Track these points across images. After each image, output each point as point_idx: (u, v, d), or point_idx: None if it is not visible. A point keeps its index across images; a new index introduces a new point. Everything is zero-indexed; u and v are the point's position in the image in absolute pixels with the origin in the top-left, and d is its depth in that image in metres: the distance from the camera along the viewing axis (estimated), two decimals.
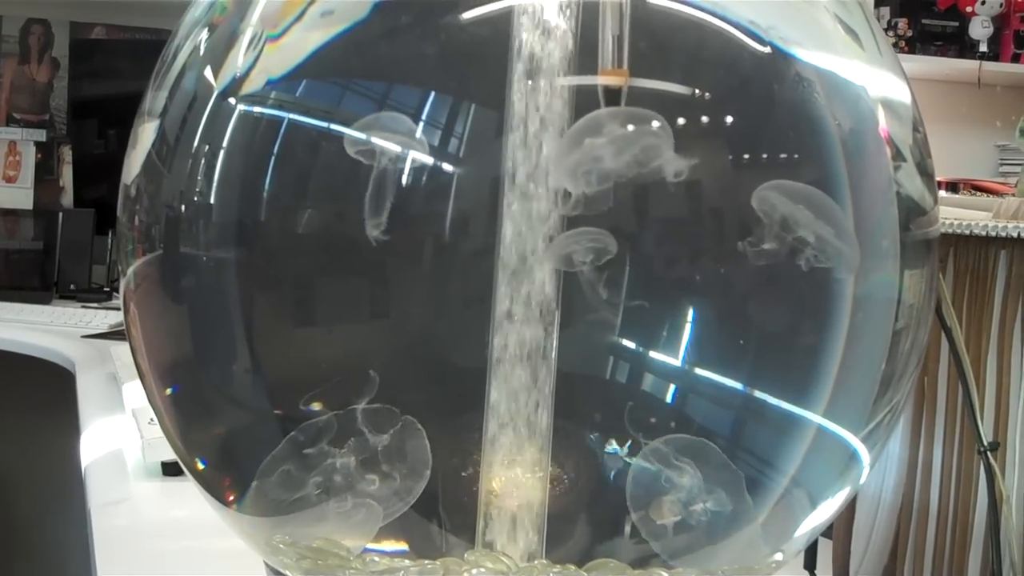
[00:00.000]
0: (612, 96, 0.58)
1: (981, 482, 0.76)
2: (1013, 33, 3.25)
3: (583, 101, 0.58)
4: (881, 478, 0.83)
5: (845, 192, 0.60)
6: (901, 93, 0.66)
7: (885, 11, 3.21)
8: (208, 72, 0.65)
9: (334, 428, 0.60)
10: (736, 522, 0.61)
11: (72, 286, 2.80)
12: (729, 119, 0.60)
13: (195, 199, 0.63)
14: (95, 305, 2.61)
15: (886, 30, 3.15)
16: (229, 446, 0.68)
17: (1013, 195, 0.87)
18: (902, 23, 3.21)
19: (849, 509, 0.85)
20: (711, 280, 0.60)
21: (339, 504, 0.61)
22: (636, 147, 0.56)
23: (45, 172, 3.10)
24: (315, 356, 0.63)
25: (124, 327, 0.70)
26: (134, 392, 1.37)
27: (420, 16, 0.61)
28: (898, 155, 0.64)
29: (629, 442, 0.60)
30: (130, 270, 0.67)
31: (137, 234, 0.66)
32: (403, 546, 0.62)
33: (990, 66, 3.19)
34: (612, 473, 0.61)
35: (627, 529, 0.61)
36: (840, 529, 0.87)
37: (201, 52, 0.66)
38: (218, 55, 0.65)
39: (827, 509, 0.66)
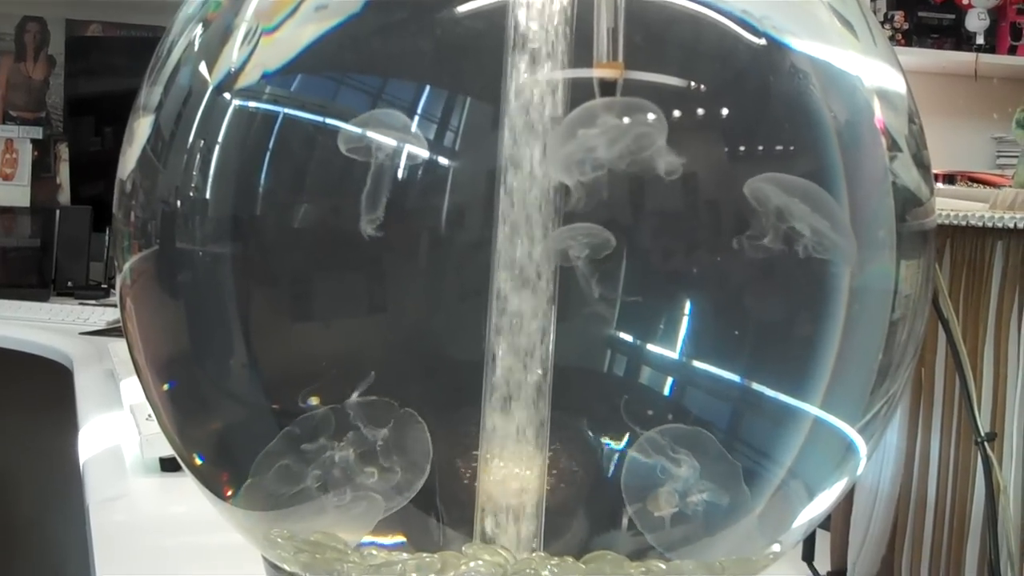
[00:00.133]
0: (607, 89, 0.58)
1: (978, 472, 0.76)
2: (1009, 25, 3.25)
3: (579, 94, 0.58)
4: (879, 469, 0.84)
5: (841, 183, 0.60)
6: (896, 84, 0.66)
7: (881, 4, 3.21)
8: (203, 67, 0.65)
9: (331, 422, 0.60)
10: (733, 513, 0.61)
11: (69, 283, 2.79)
12: (724, 111, 0.60)
13: (191, 194, 0.63)
14: (93, 302, 2.60)
15: (882, 23, 3.15)
16: (226, 441, 0.68)
17: (1010, 187, 0.87)
18: (898, 16, 3.21)
19: (847, 500, 0.85)
20: (707, 272, 0.60)
21: (337, 498, 0.61)
22: (629, 138, 0.56)
23: (42, 169, 3.09)
24: (312, 351, 0.63)
25: (121, 323, 0.70)
26: (132, 388, 1.37)
27: (415, 9, 0.61)
28: (894, 145, 0.64)
29: (627, 435, 0.60)
30: (126, 266, 0.67)
31: (133, 230, 0.66)
32: (401, 539, 0.62)
33: (987, 58, 3.19)
34: (610, 465, 0.61)
35: (625, 521, 0.61)
36: (838, 520, 0.88)
37: (196, 47, 0.66)
38: (213, 50, 0.65)
39: (824, 500, 0.66)
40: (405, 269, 0.60)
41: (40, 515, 2.63)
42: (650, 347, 0.61)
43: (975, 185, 2.40)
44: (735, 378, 0.61)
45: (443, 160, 0.58)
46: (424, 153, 0.58)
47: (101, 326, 2.29)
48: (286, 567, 0.64)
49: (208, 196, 0.62)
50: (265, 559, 0.66)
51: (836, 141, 0.61)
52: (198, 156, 0.62)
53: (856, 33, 0.65)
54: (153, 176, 0.65)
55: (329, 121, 0.61)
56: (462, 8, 0.62)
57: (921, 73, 3.16)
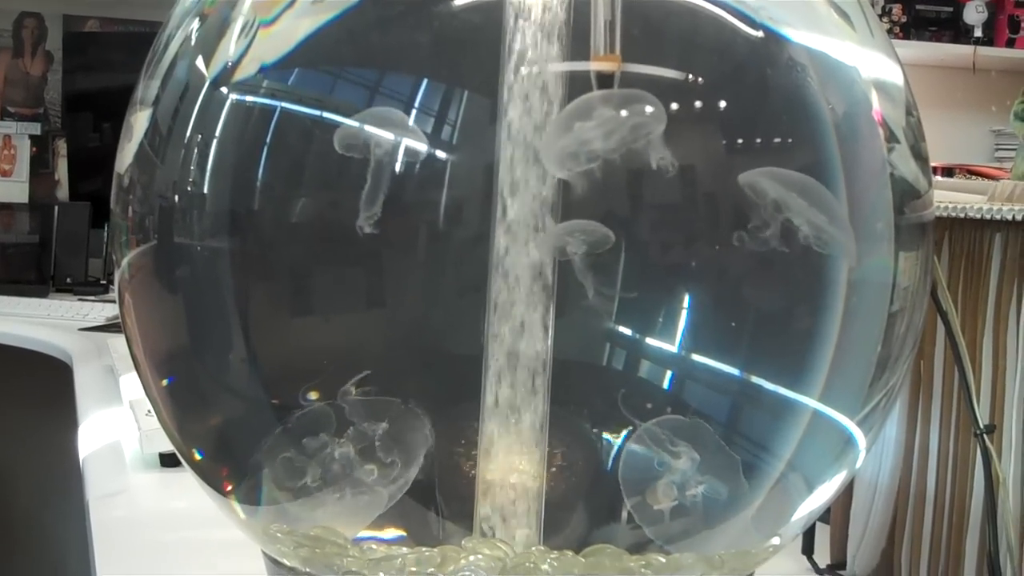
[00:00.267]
0: (605, 82, 0.58)
1: (977, 465, 0.76)
2: (1008, 18, 3.25)
3: (576, 87, 0.58)
4: (878, 462, 0.84)
5: (839, 175, 0.60)
6: (894, 75, 0.66)
7: None
8: (200, 61, 0.65)
9: (330, 417, 0.60)
10: (732, 506, 0.61)
11: (68, 279, 2.79)
12: (722, 103, 0.60)
13: (188, 189, 0.63)
14: (92, 298, 2.60)
15: (880, 16, 3.15)
16: (226, 436, 0.68)
17: (1008, 179, 0.87)
18: (896, 9, 3.21)
19: (846, 493, 0.85)
20: (704, 265, 0.60)
21: (336, 493, 0.61)
22: (626, 129, 0.55)
23: (40, 166, 3.09)
24: (310, 345, 0.63)
25: (120, 319, 0.70)
26: (131, 384, 1.37)
27: (412, 2, 0.61)
28: (892, 137, 0.64)
29: (626, 428, 0.60)
30: (124, 261, 0.66)
31: (131, 224, 0.66)
32: (401, 533, 0.62)
33: (985, 51, 3.19)
34: (609, 459, 0.61)
35: (624, 515, 0.61)
36: (837, 513, 0.88)
37: (193, 41, 0.66)
38: (210, 43, 0.65)
39: (824, 493, 0.66)
40: (404, 264, 0.60)
41: (40, 511, 2.63)
42: (649, 341, 0.61)
43: (973, 178, 2.40)
44: (734, 371, 0.61)
45: (441, 155, 0.58)
46: (422, 148, 0.57)
47: (100, 322, 2.29)
48: (286, 562, 0.64)
49: (206, 190, 0.62)
50: (265, 554, 0.67)
51: (834, 133, 0.61)
52: (196, 150, 0.62)
53: (853, 24, 0.65)
54: (151, 171, 0.65)
55: (327, 115, 0.61)
56: (459, 1, 0.62)
57: (919, 66, 3.16)
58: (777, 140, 0.61)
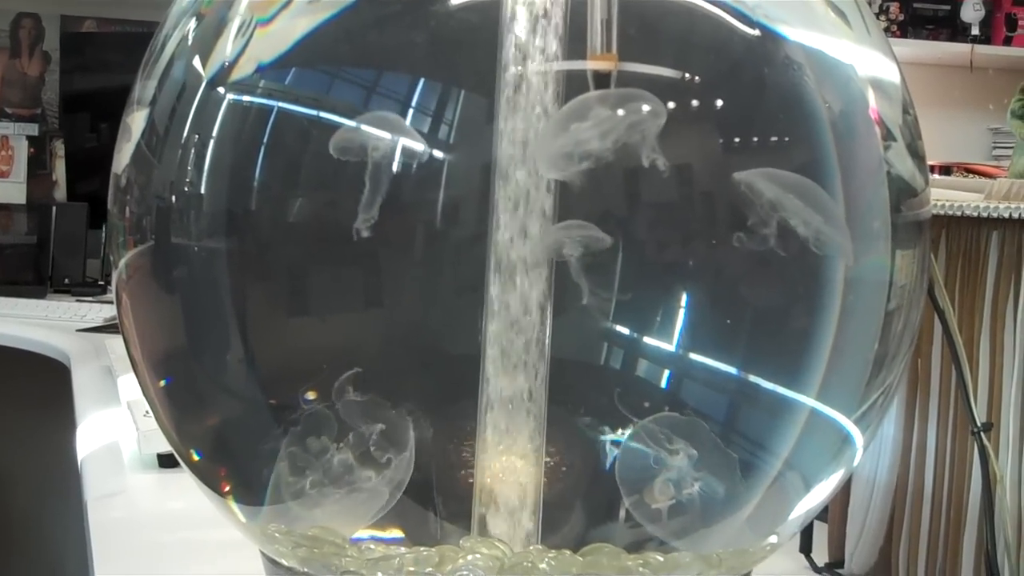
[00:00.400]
0: (601, 81, 0.58)
1: (975, 463, 0.76)
2: (1005, 16, 3.25)
3: (573, 86, 0.58)
4: (876, 460, 0.84)
5: (836, 174, 0.60)
6: (890, 73, 0.66)
7: None
8: (197, 60, 0.65)
9: (328, 417, 0.60)
10: (730, 505, 0.61)
11: (66, 280, 2.79)
12: (718, 102, 0.60)
13: (185, 189, 0.63)
14: (90, 299, 2.60)
15: (877, 14, 3.15)
16: (223, 436, 0.68)
17: (1006, 177, 0.87)
18: (893, 7, 3.21)
19: (844, 492, 0.85)
20: (701, 265, 0.60)
21: (334, 493, 0.61)
22: (622, 129, 0.55)
23: (38, 166, 3.09)
24: (308, 346, 0.63)
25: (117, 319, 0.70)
26: (129, 385, 1.37)
27: (408, 1, 0.61)
28: (888, 135, 0.64)
29: (624, 427, 0.60)
30: (122, 261, 0.66)
31: (128, 225, 0.66)
32: (399, 534, 0.62)
33: (982, 49, 3.19)
34: (607, 458, 0.61)
35: (622, 513, 0.61)
36: (835, 512, 0.88)
37: (190, 41, 0.66)
38: (207, 43, 0.65)
39: (821, 491, 0.66)
40: (401, 264, 0.60)
41: (38, 512, 2.63)
42: (646, 340, 0.61)
43: (971, 176, 2.41)
44: (731, 370, 0.61)
45: (438, 155, 0.58)
46: (418, 148, 0.57)
47: (98, 323, 2.29)
48: (284, 562, 0.64)
49: (203, 190, 0.62)
50: (263, 554, 0.67)
51: (830, 131, 0.61)
52: (193, 150, 0.62)
53: (849, 22, 0.65)
54: (148, 171, 0.65)
55: (324, 114, 0.61)
56: (456, 1, 0.62)
57: (916, 64, 3.16)
58: (774, 138, 0.61)
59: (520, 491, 0.61)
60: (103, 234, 2.82)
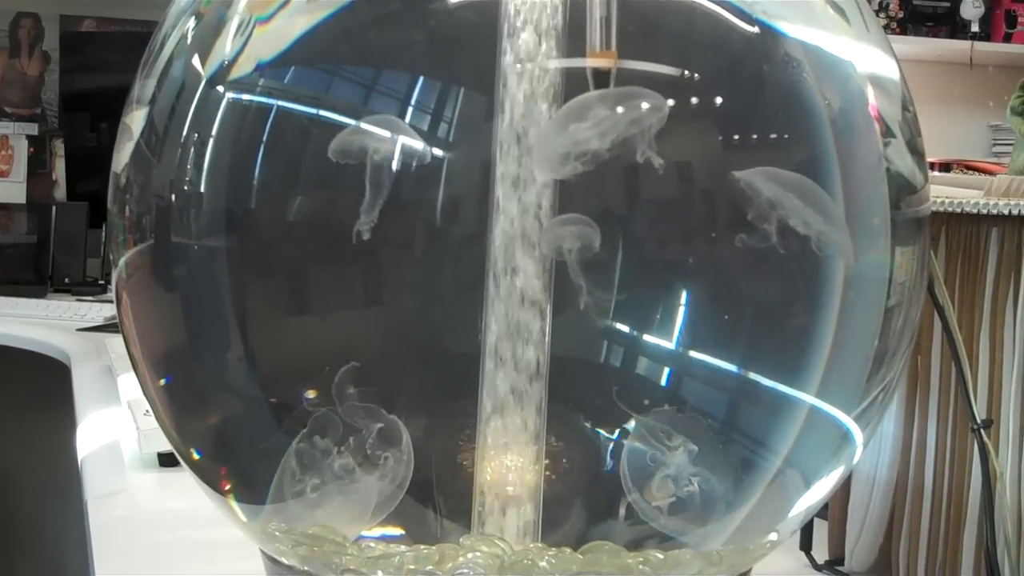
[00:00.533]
0: (601, 78, 0.58)
1: (975, 460, 0.76)
2: (1004, 13, 3.25)
3: (572, 84, 0.58)
4: (875, 458, 0.84)
5: (835, 171, 0.60)
6: (890, 70, 0.66)
7: None
8: (196, 59, 0.65)
9: (329, 416, 0.60)
10: (730, 502, 0.61)
11: (67, 279, 2.79)
12: (718, 99, 0.60)
13: (185, 188, 0.63)
14: (90, 298, 2.60)
15: (877, 12, 3.15)
16: (223, 435, 0.68)
17: (1005, 174, 0.87)
18: (893, 4, 3.21)
19: (844, 489, 0.85)
20: (700, 263, 0.60)
21: (335, 492, 0.61)
22: (622, 127, 0.55)
23: (38, 166, 3.09)
24: (308, 344, 0.63)
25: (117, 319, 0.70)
26: (130, 384, 1.37)
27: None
28: (888, 132, 0.64)
29: (624, 424, 0.60)
30: (122, 260, 0.66)
31: (128, 224, 0.66)
32: (399, 532, 0.62)
33: (982, 46, 3.19)
34: (607, 456, 0.61)
35: (622, 511, 0.61)
36: (835, 509, 0.88)
37: (189, 40, 0.66)
38: (206, 42, 0.65)
39: (821, 489, 0.66)
40: (401, 262, 0.60)
41: (39, 511, 2.63)
42: (646, 337, 0.61)
43: (971, 173, 2.41)
44: (731, 367, 0.61)
45: (437, 153, 0.58)
46: (418, 147, 0.57)
47: (98, 322, 2.28)
48: (284, 560, 0.64)
49: (202, 189, 0.62)
50: (264, 553, 0.67)
51: (830, 128, 0.61)
52: (192, 149, 0.62)
53: (849, 19, 0.65)
54: (147, 170, 0.65)
55: (323, 113, 0.61)
56: None
57: (916, 61, 3.16)
58: (773, 136, 0.61)
59: (520, 489, 0.61)
60: (103, 233, 2.82)
